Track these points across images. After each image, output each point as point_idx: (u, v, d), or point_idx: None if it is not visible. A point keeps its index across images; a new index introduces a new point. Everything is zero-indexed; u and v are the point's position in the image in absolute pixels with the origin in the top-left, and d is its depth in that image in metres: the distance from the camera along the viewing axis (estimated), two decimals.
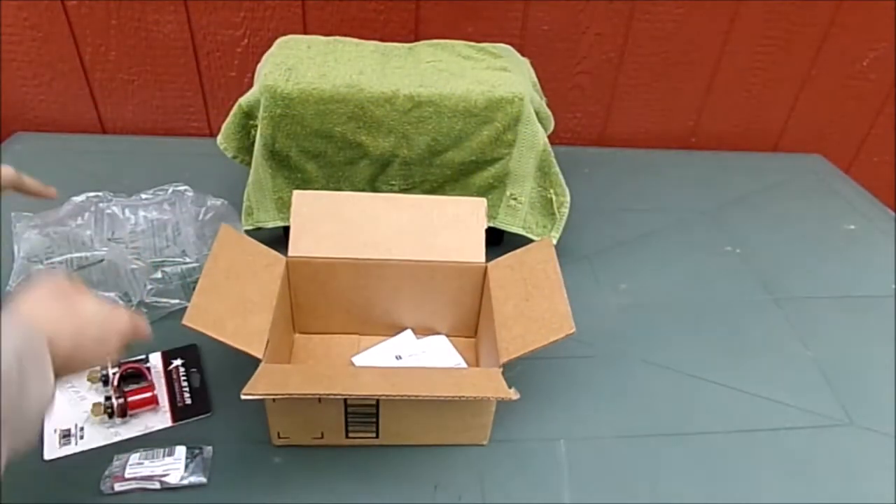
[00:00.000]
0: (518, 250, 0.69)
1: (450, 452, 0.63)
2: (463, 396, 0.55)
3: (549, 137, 0.82)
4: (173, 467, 0.58)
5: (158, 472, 0.58)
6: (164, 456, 0.59)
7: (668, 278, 0.88)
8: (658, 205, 1.04)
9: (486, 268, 0.70)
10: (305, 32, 1.03)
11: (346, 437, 0.62)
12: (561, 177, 0.82)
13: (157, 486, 0.57)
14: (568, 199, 0.82)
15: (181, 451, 0.60)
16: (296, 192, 0.70)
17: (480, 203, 0.71)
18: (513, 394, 0.55)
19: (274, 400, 0.58)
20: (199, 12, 1.01)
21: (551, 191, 0.82)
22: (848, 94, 1.18)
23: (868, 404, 0.71)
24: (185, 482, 0.57)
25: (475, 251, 0.70)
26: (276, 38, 0.87)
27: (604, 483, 0.61)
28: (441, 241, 0.69)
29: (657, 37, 1.09)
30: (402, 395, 0.54)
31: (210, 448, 0.61)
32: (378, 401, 0.59)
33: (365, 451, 0.62)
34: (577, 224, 0.86)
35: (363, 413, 0.60)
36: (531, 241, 0.82)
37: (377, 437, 0.62)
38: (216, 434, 0.63)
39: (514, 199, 0.82)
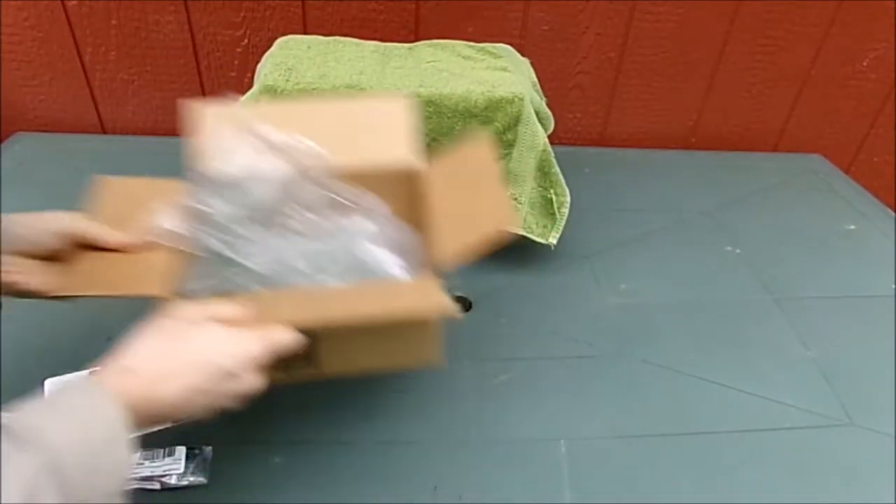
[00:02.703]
0: (453, 149, 0.63)
1: (449, 452, 0.63)
2: (394, 317, 0.49)
3: (549, 137, 0.82)
4: (173, 467, 0.58)
5: (158, 472, 0.58)
6: (164, 456, 0.59)
7: (668, 278, 0.88)
8: (658, 205, 1.04)
9: (420, 172, 0.61)
10: (305, 32, 1.03)
11: (284, 372, 0.54)
12: (561, 177, 0.82)
13: (157, 486, 0.57)
14: (568, 199, 0.82)
15: (181, 451, 0.60)
16: (200, 107, 0.60)
17: (403, 100, 0.63)
18: (453, 308, 0.49)
19: None
20: (199, 12, 1.01)
21: (551, 191, 0.82)
22: (848, 94, 1.18)
23: (868, 404, 0.71)
24: (185, 482, 0.57)
25: (405, 154, 0.61)
26: (276, 38, 0.87)
27: (604, 483, 0.61)
28: (365, 146, 0.60)
29: (657, 37, 1.09)
30: (325, 323, 0.49)
31: (210, 448, 0.60)
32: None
33: (365, 450, 0.62)
34: (577, 224, 0.86)
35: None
36: (531, 241, 0.83)
37: (317, 367, 0.56)
38: (216, 434, 0.63)
39: (514, 199, 0.82)
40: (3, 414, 0.36)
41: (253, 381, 0.48)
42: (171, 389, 0.44)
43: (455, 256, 0.54)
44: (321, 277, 0.54)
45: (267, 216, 0.54)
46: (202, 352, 0.46)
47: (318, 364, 0.55)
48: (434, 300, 0.51)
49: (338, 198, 0.55)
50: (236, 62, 1.07)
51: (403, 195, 0.61)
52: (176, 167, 1.07)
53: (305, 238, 0.54)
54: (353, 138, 0.60)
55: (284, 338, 0.49)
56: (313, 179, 0.54)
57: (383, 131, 0.62)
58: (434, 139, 0.79)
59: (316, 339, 0.53)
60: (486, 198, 0.57)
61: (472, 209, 0.57)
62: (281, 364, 0.52)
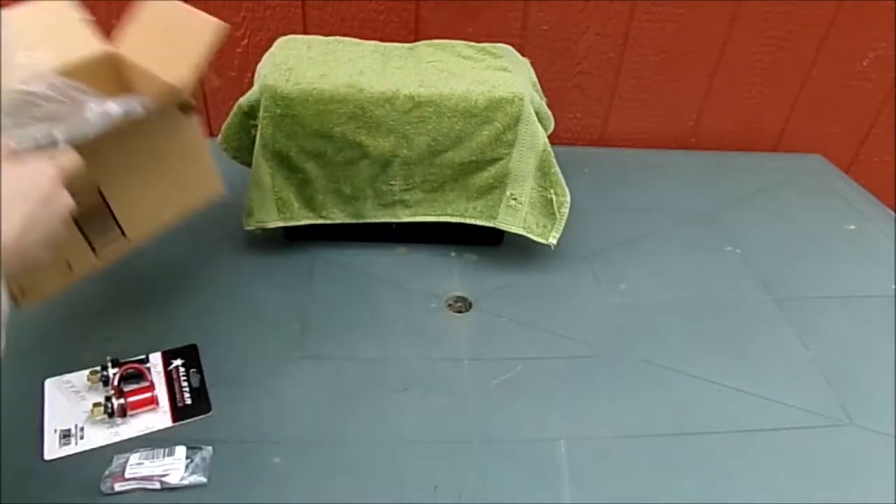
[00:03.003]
0: (137, 10, 0.68)
1: (449, 452, 0.63)
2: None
3: (549, 137, 0.82)
4: (173, 467, 0.58)
5: (158, 472, 0.58)
6: (164, 456, 0.59)
7: (668, 278, 0.88)
8: (658, 205, 1.04)
9: (116, 52, 0.66)
10: (305, 32, 1.03)
11: (94, 252, 0.59)
12: (561, 177, 0.82)
13: (157, 486, 0.57)
14: (568, 199, 0.82)
15: (181, 451, 0.60)
16: None
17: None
18: (189, 80, 0.55)
19: None
20: None
21: (551, 191, 0.82)
22: (848, 94, 1.18)
23: (868, 404, 0.71)
24: (185, 482, 0.57)
25: (95, 43, 0.66)
26: (276, 38, 0.87)
27: (604, 483, 0.61)
28: (59, 47, 0.64)
29: (657, 37, 1.09)
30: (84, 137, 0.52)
31: (210, 448, 0.61)
32: (99, 190, 0.57)
33: (364, 450, 0.62)
34: (577, 224, 0.86)
35: (91, 213, 0.57)
36: (532, 241, 0.83)
37: (123, 233, 0.60)
38: (216, 434, 0.63)
39: (514, 199, 0.82)
40: None
41: (66, 199, 0.49)
42: (10, 226, 0.44)
43: (187, 76, 0.58)
44: None
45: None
46: (15, 182, 0.46)
47: (118, 222, 0.58)
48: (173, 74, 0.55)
49: (71, 90, 0.57)
50: (236, 62, 1.07)
51: (115, 78, 0.65)
52: None
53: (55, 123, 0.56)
54: (44, 41, 0.61)
55: (68, 156, 0.50)
56: (42, 78, 0.56)
57: (63, 30, 0.65)
58: (434, 139, 0.79)
59: (96, 174, 0.55)
60: (186, 26, 0.61)
61: (179, 40, 0.61)
62: (84, 236, 0.55)
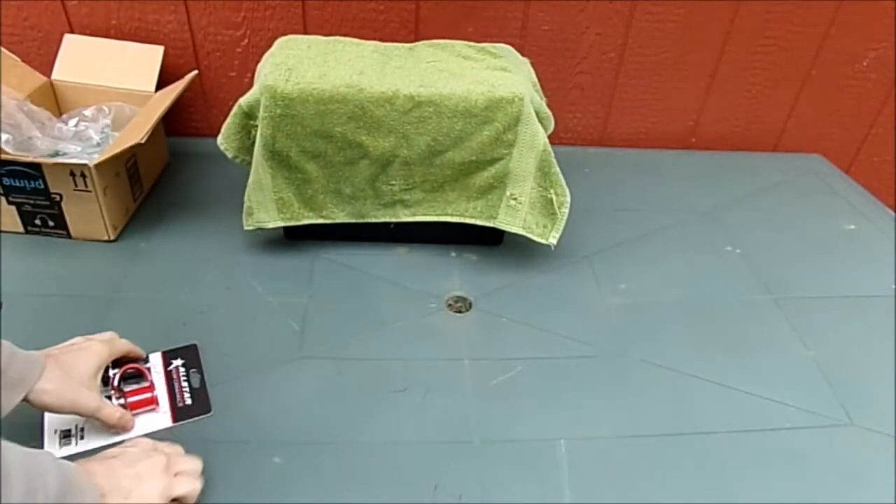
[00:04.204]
0: None
1: (449, 452, 0.63)
2: None
3: (549, 137, 0.82)
4: None
5: None
6: None
7: (668, 278, 0.88)
8: (658, 205, 1.04)
9: None
10: (305, 32, 1.03)
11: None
12: (561, 177, 0.82)
13: None
14: (568, 199, 0.82)
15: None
16: None
17: None
18: None
19: None
20: (199, 12, 1.01)
21: (551, 191, 0.82)
22: (848, 94, 1.18)
23: (868, 404, 0.71)
24: None
25: None
26: (276, 38, 0.87)
27: (604, 483, 0.61)
28: None
29: (657, 37, 1.09)
30: None
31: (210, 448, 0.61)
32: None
33: (364, 450, 0.62)
34: (577, 224, 0.86)
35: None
36: (532, 241, 0.83)
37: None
38: (216, 434, 0.63)
39: (514, 199, 0.82)
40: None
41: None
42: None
43: None
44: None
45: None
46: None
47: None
48: None
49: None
50: (236, 62, 1.07)
51: None
52: (175, 166, 1.08)
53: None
54: None
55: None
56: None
57: None
58: (434, 139, 0.79)
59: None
60: None
61: None
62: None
